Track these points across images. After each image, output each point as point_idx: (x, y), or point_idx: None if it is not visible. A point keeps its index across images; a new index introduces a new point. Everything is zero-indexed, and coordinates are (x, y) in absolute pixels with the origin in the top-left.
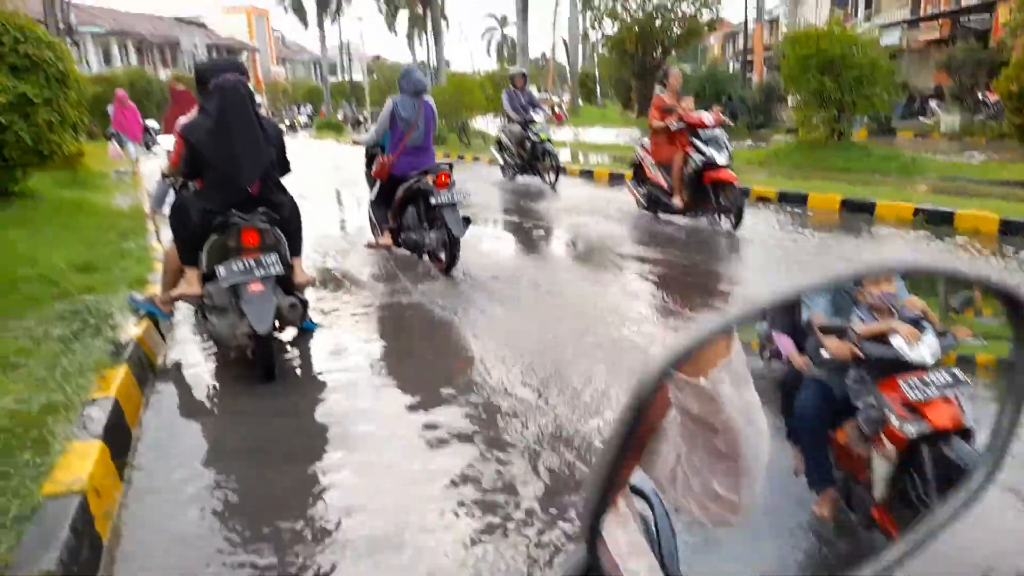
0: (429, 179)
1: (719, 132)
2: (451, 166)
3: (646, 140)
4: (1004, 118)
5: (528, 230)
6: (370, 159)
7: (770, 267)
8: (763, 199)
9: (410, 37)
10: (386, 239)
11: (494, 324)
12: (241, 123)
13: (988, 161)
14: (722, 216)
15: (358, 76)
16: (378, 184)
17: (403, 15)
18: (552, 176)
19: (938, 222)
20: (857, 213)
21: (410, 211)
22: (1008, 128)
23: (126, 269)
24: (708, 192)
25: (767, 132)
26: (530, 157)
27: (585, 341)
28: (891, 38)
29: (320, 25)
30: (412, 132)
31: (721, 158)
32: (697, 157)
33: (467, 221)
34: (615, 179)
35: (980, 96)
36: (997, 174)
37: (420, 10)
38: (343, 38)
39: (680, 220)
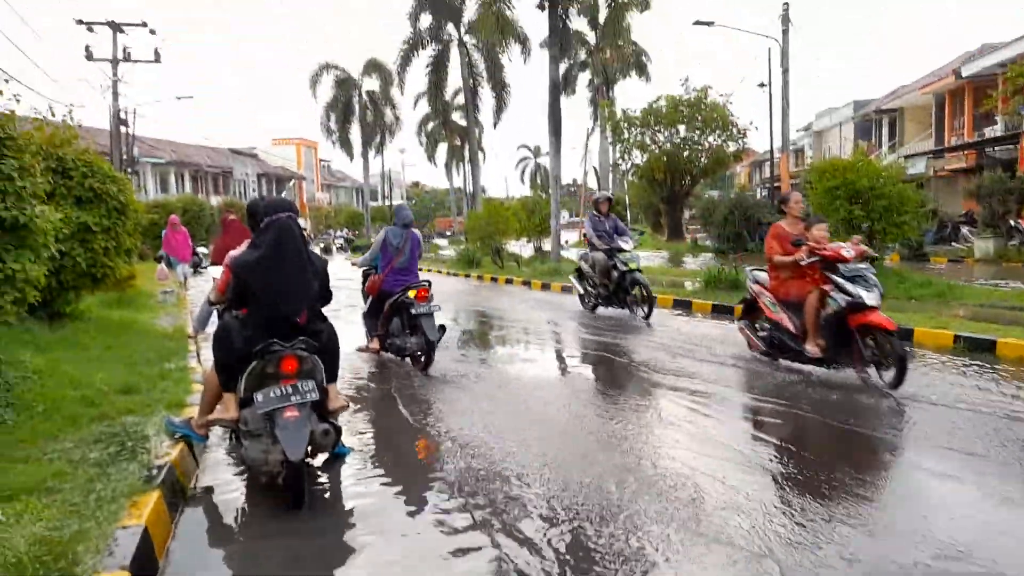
0: (411, 294)
1: (864, 267)
2: (429, 283)
3: (759, 274)
4: None
5: (628, 377)
6: (365, 277)
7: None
8: None
9: (448, 167)
10: (374, 345)
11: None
12: (292, 260)
13: None
14: (874, 368)
15: (399, 201)
16: (370, 299)
17: (442, 147)
18: (644, 309)
19: (979, 350)
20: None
21: (395, 321)
22: None
23: (165, 391)
24: (853, 338)
25: None
26: (616, 288)
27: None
28: (917, 167)
29: (364, 156)
30: (400, 257)
31: (871, 298)
32: (840, 297)
33: (443, 328)
34: (718, 311)
35: (1013, 222)
36: None
37: (458, 142)
38: (385, 166)
39: (807, 368)
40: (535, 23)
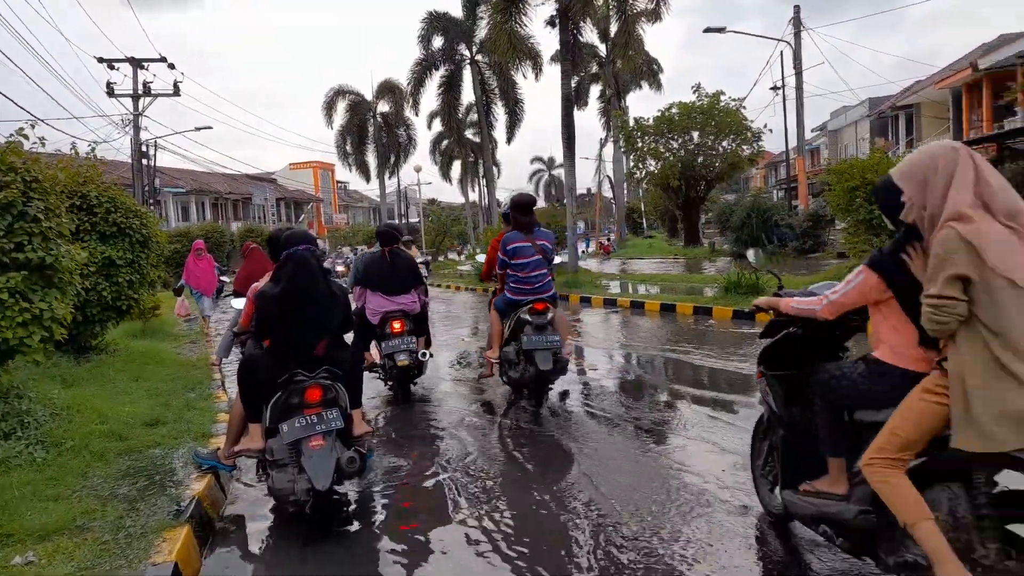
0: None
1: None
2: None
3: None
4: None
5: None
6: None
7: None
8: None
9: (463, 183)
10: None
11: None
12: (310, 292)
13: None
14: None
15: (414, 218)
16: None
17: (456, 164)
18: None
19: None
20: None
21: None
22: None
23: (191, 422)
24: None
25: (817, 257)
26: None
27: None
28: None
29: (380, 176)
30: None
31: None
32: None
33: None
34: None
35: None
36: None
37: (472, 158)
38: (401, 185)
39: None
40: (547, 38)
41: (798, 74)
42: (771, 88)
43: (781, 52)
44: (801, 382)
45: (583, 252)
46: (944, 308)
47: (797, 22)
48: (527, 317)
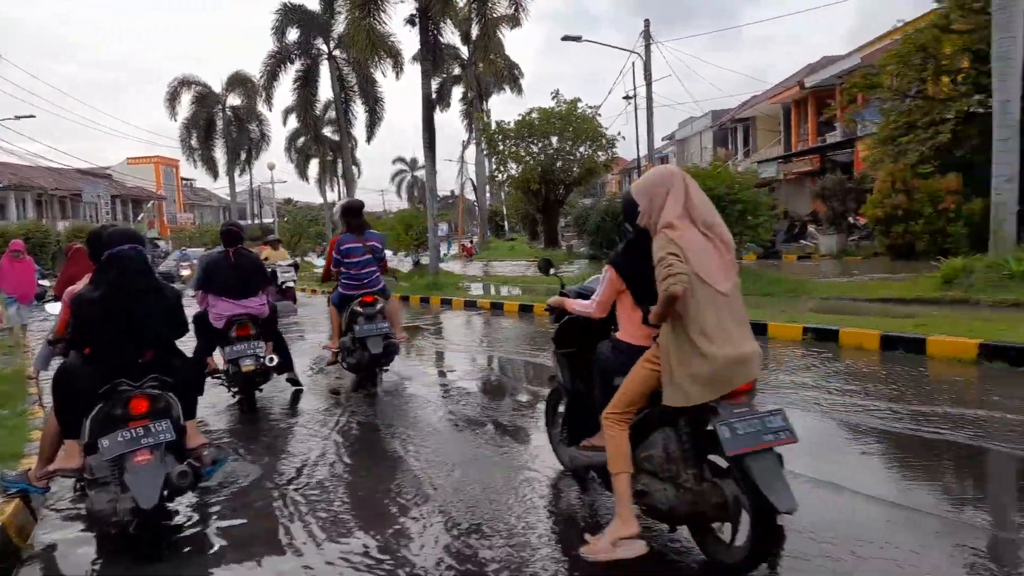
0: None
1: None
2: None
3: None
4: (875, 239)
5: None
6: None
7: None
8: None
9: (320, 182)
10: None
11: None
12: (135, 295)
13: (867, 281)
14: None
15: (268, 219)
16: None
17: (314, 162)
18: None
19: (824, 339)
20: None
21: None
22: (880, 247)
23: None
24: None
25: None
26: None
27: None
28: (769, 171)
29: (230, 174)
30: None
31: None
32: None
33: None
34: None
35: (852, 220)
36: (876, 292)
37: (331, 157)
38: (253, 183)
39: None
40: (408, 36)
41: (648, 85)
42: (624, 97)
43: (633, 63)
44: (583, 358)
45: (445, 254)
46: (671, 267)
47: (647, 35)
48: (359, 309)
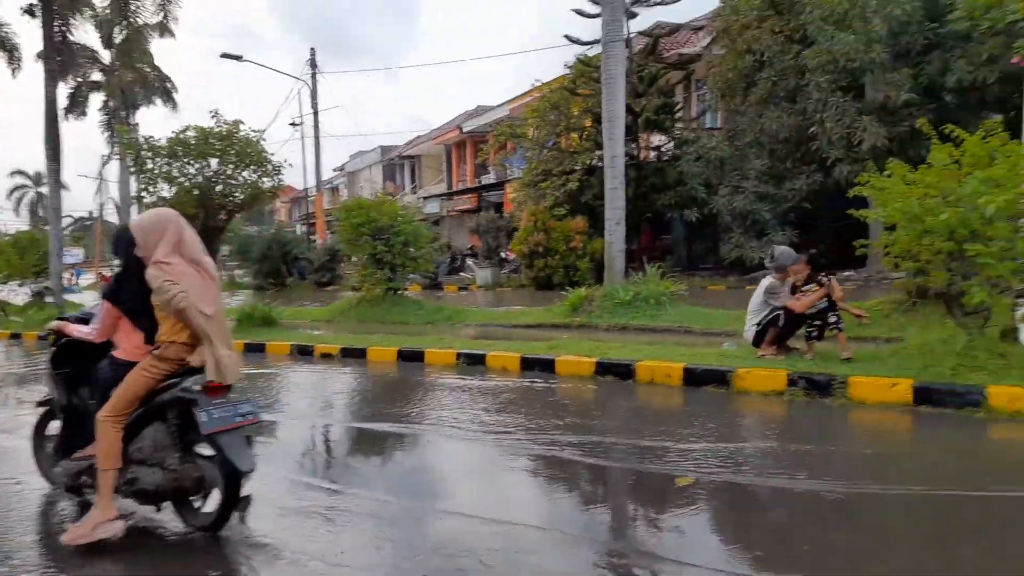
0: None
1: None
2: None
3: None
4: (521, 272)
5: None
6: None
7: None
8: (327, 355)
9: None
10: None
11: None
12: None
13: (514, 310)
14: None
15: None
16: None
17: None
18: None
19: (474, 363)
20: (412, 362)
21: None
22: (526, 279)
23: None
24: None
25: (335, 289)
26: None
27: None
28: (434, 207)
29: None
30: None
31: None
32: None
33: None
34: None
35: (503, 255)
36: (520, 319)
37: None
38: None
39: None
40: (34, 30)
41: (315, 113)
42: (291, 124)
43: (299, 92)
44: (79, 377)
45: (75, 284)
46: (169, 291)
47: (313, 64)
48: None
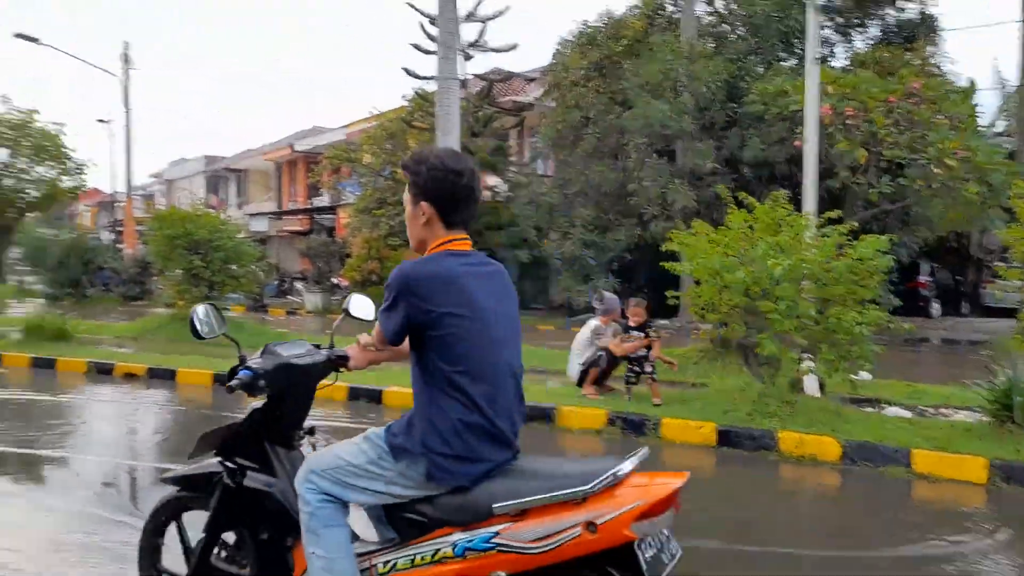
0: None
1: None
2: None
3: None
4: None
5: None
6: None
7: None
8: (131, 375)
9: None
10: None
11: None
12: None
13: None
14: None
15: None
16: None
17: None
18: None
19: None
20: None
21: None
22: None
23: None
24: None
25: (145, 304)
26: None
27: None
28: (261, 225)
29: None
30: None
31: None
32: None
33: None
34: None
35: (334, 280)
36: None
37: None
38: None
39: None
40: None
41: (127, 112)
42: (99, 120)
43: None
44: None
45: None
46: None
47: (126, 58)
48: None
